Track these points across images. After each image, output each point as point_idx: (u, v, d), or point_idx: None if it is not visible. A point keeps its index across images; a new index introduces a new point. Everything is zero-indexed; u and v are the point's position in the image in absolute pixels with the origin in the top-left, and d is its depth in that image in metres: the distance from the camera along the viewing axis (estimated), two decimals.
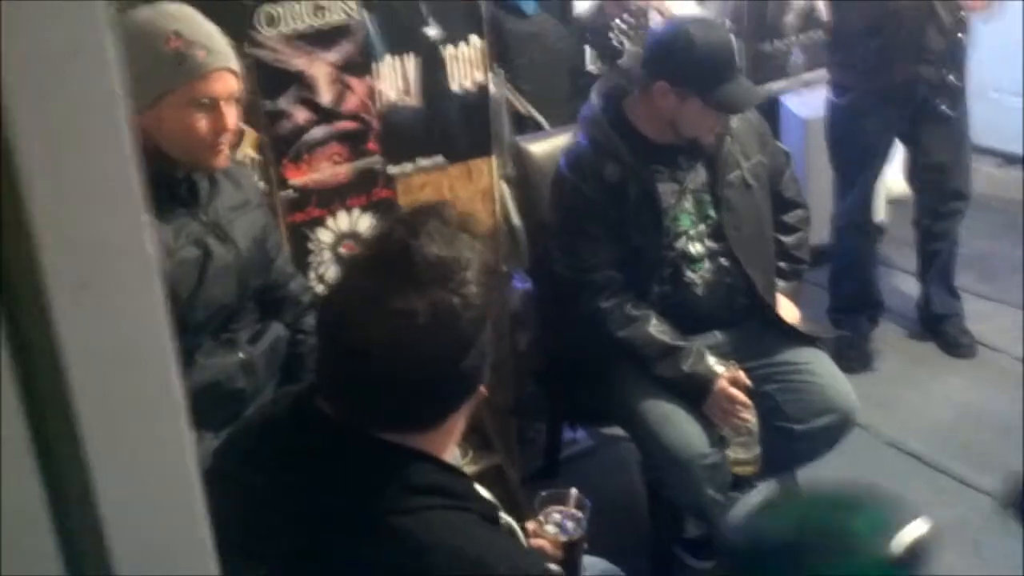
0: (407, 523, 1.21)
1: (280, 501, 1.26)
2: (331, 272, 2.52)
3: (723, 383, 2.39)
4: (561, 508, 1.71)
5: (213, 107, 1.87)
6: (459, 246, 1.24)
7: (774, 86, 3.95)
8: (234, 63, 1.91)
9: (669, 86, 2.37)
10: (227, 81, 1.89)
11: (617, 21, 3.51)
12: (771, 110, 3.82)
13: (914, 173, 3.51)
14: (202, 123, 1.86)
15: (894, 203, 4.07)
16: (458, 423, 1.32)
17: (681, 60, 2.35)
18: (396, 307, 1.19)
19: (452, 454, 1.34)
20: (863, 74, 3.21)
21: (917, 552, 0.78)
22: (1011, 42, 4.34)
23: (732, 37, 2.44)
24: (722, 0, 3.77)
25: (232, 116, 1.90)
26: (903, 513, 0.81)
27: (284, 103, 2.39)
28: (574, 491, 1.75)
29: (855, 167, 3.42)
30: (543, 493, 1.74)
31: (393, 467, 1.24)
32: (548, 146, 2.78)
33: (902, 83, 3.17)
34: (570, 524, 1.69)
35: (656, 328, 2.45)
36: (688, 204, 2.51)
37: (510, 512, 1.46)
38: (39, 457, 0.56)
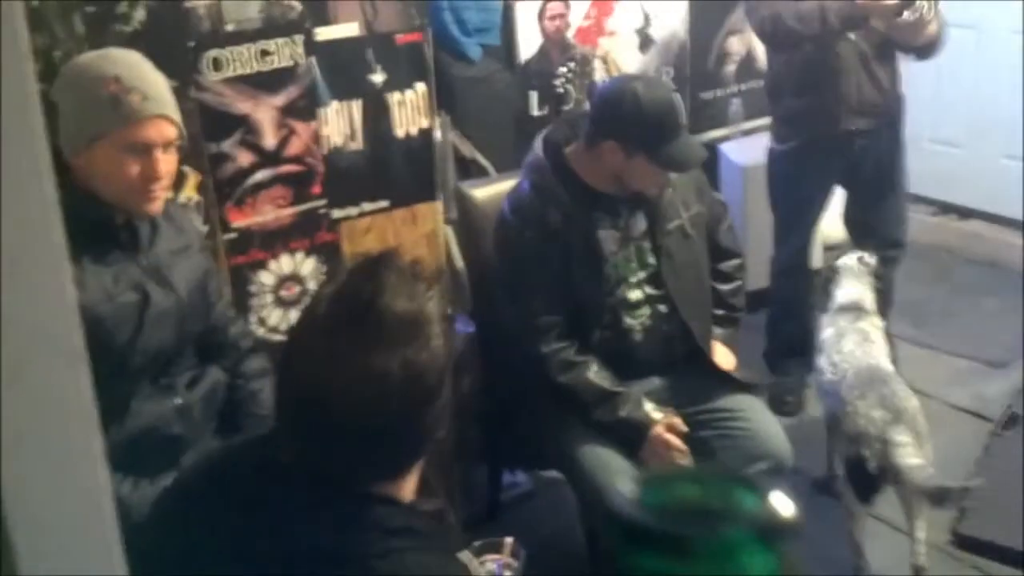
0: (384, 566, 1.23)
1: (248, 547, 1.26)
2: (273, 315, 2.53)
3: (660, 429, 2.43)
4: (496, 557, 1.72)
5: (146, 153, 1.87)
6: (420, 298, 1.25)
7: (714, 134, 4.03)
8: (172, 111, 1.91)
9: (617, 144, 2.41)
10: (162, 128, 1.89)
11: (562, 68, 3.57)
12: (710, 157, 3.90)
13: (851, 221, 3.59)
14: (134, 168, 1.86)
15: (831, 249, 4.16)
16: (420, 466, 1.34)
17: (629, 120, 2.39)
18: (369, 368, 1.20)
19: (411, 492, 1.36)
20: (802, 124, 3.30)
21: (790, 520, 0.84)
22: (947, 94, 4.49)
23: (676, 95, 2.49)
24: (663, 49, 3.85)
25: (167, 163, 1.90)
26: (765, 486, 0.87)
27: (228, 146, 2.40)
28: (509, 540, 1.76)
29: (794, 213, 3.49)
30: (476, 543, 1.75)
31: (366, 514, 1.26)
32: (492, 191, 2.81)
33: (840, 134, 3.25)
34: (506, 574, 1.70)
35: (595, 374, 2.48)
36: (629, 251, 2.55)
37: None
38: None
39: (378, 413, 1.22)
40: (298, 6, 2.40)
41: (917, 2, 2.94)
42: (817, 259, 3.93)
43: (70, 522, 0.63)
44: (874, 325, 3.02)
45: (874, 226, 3.49)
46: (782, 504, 0.82)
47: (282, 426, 1.33)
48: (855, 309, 3.04)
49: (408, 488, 1.33)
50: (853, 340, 2.94)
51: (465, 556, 1.44)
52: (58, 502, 0.61)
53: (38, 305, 0.60)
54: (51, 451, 0.60)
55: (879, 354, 2.94)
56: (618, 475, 2.43)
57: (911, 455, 2.57)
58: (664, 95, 2.47)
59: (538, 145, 2.59)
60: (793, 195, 3.46)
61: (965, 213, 4.70)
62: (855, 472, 2.66)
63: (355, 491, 1.27)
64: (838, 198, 3.64)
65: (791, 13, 3.08)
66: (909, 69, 3.41)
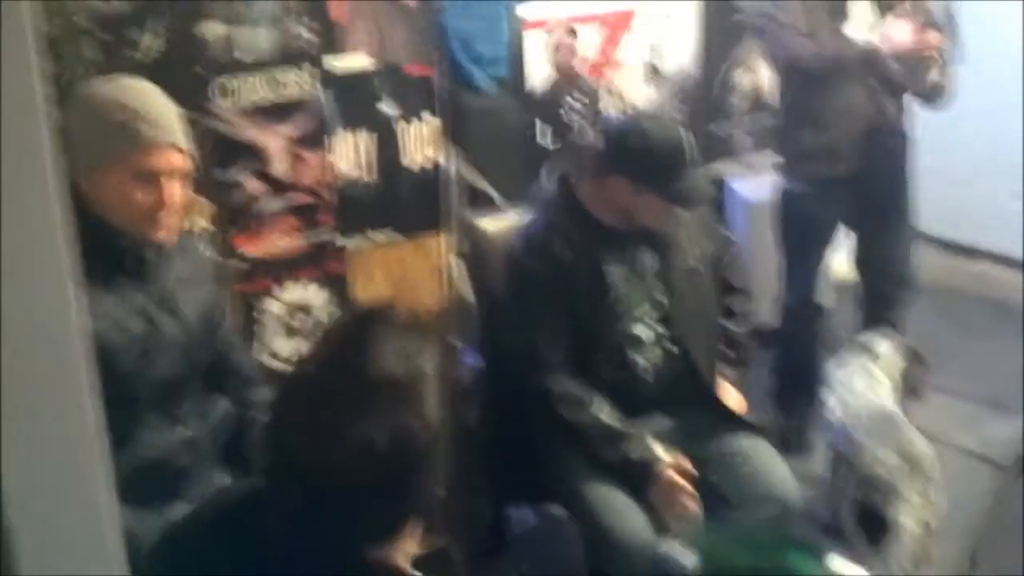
0: None
1: None
2: (280, 344, 2.50)
3: (667, 470, 2.40)
4: None
5: (154, 181, 1.85)
6: (414, 357, 1.20)
7: (720, 167, 4.02)
8: (181, 140, 1.89)
9: (626, 180, 2.41)
10: (170, 157, 1.87)
11: (570, 99, 3.57)
12: (717, 191, 3.89)
13: (860, 260, 3.58)
14: (141, 196, 1.85)
15: (839, 287, 4.14)
16: (417, 522, 1.30)
17: (638, 157, 2.39)
18: (352, 439, 1.15)
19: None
20: (814, 165, 3.29)
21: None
22: (954, 134, 4.48)
23: (685, 132, 2.48)
24: (672, 82, 3.84)
25: (173, 192, 1.88)
26: (822, 548, 0.82)
27: (237, 174, 2.38)
28: None
29: (804, 253, 3.48)
30: None
31: None
32: (501, 224, 2.80)
33: (851, 174, 3.24)
34: None
35: (602, 412, 2.45)
36: (639, 289, 2.53)
37: None
38: None
39: (365, 482, 1.18)
40: (310, 37, 2.39)
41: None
42: (827, 297, 3.92)
43: (77, 547, 0.62)
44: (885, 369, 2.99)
45: (883, 265, 3.48)
46: (844, 568, 0.79)
47: (271, 486, 1.28)
48: (867, 351, 3.02)
49: (406, 545, 1.29)
50: (864, 381, 2.92)
51: None
52: (64, 528, 0.60)
53: (46, 329, 0.59)
54: (58, 475, 0.59)
55: (887, 397, 2.92)
56: (624, 515, 2.40)
57: (912, 517, 2.54)
58: (673, 132, 2.46)
59: (545, 179, 2.58)
60: (803, 235, 3.44)
61: (972, 253, 4.69)
62: (865, 515, 2.63)
63: (346, 558, 1.23)
64: (847, 235, 3.63)
65: (807, 52, 3.10)
66: (918, 109, 3.40)
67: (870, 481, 2.63)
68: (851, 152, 3.21)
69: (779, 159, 3.49)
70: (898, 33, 3.06)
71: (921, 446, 2.68)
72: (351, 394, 1.17)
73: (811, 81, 3.16)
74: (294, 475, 1.21)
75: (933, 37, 3.07)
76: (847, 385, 2.96)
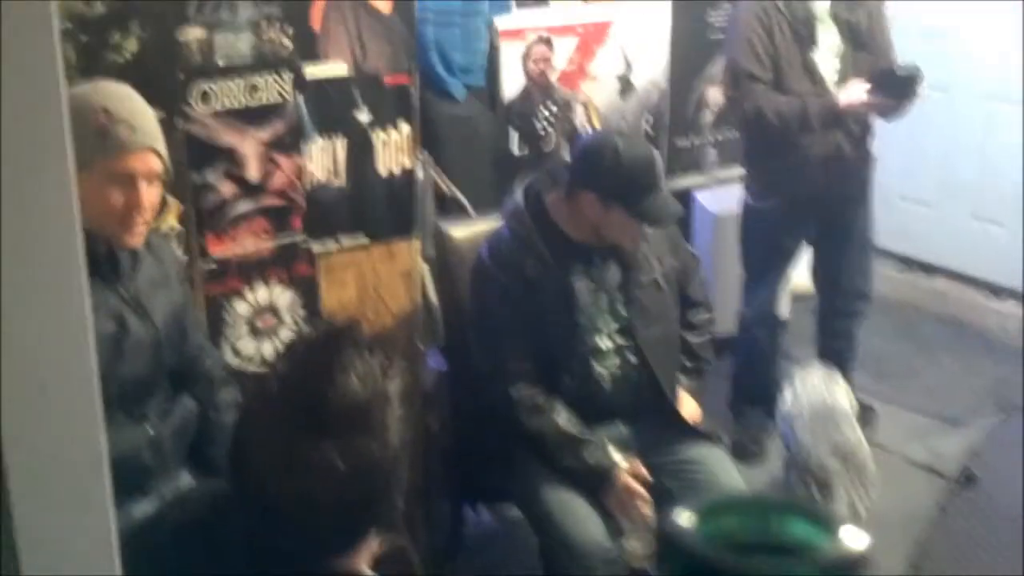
0: None
1: None
2: (247, 346, 2.54)
3: (624, 476, 2.46)
4: None
5: (131, 185, 1.89)
6: (376, 379, 1.21)
7: (689, 181, 4.09)
8: (158, 144, 1.93)
9: (596, 197, 2.46)
10: (148, 161, 1.91)
11: (543, 110, 3.63)
12: (683, 204, 3.96)
13: (819, 275, 3.66)
14: (118, 199, 1.88)
15: (797, 299, 4.23)
16: (375, 533, 1.33)
17: (608, 173, 2.45)
18: (313, 461, 1.16)
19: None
20: (778, 184, 3.36)
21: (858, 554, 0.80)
22: (918, 153, 4.59)
23: (655, 152, 2.55)
24: (644, 96, 3.91)
25: (150, 195, 1.92)
26: (831, 518, 0.84)
27: (211, 176, 2.42)
28: None
29: (765, 268, 3.56)
30: None
31: None
32: (470, 231, 2.85)
33: (814, 193, 3.32)
34: None
35: (563, 420, 2.51)
36: (602, 302, 2.59)
37: None
38: None
39: (325, 503, 1.19)
40: (289, 44, 2.43)
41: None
42: (784, 309, 4.01)
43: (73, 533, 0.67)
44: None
45: (841, 280, 3.57)
46: (853, 538, 0.79)
47: (233, 494, 1.29)
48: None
49: (365, 554, 1.31)
50: (820, 376, 3.02)
51: None
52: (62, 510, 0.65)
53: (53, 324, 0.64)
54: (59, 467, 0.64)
55: (841, 396, 3.02)
56: (582, 519, 2.46)
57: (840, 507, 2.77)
58: (644, 151, 2.52)
59: (518, 192, 2.64)
60: (765, 251, 3.52)
61: (931, 270, 4.80)
62: None
63: (308, 564, 1.25)
64: (807, 248, 3.71)
65: (772, 111, 3.18)
66: (881, 127, 3.48)
67: (807, 475, 2.74)
68: (816, 173, 3.28)
69: (745, 178, 3.56)
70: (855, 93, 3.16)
71: (855, 442, 2.80)
72: (313, 416, 1.19)
73: (780, 134, 3.24)
74: (255, 490, 1.23)
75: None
76: (804, 379, 3.07)
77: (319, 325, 1.37)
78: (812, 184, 3.30)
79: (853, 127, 3.30)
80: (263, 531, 1.25)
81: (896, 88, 3.14)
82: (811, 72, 3.22)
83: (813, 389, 3.03)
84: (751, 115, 3.25)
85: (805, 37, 3.21)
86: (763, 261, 3.55)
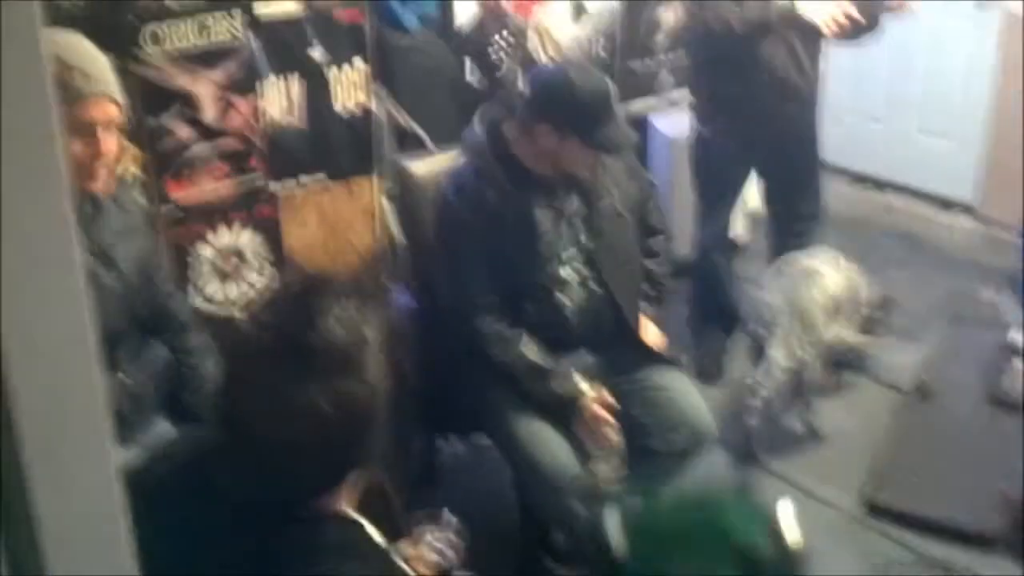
0: None
1: (183, 565, 1.29)
2: (211, 287, 2.55)
3: (590, 403, 2.52)
4: (439, 535, 1.80)
5: (89, 133, 1.87)
6: (357, 325, 1.25)
7: (643, 103, 4.10)
8: (114, 90, 1.91)
9: (551, 128, 2.48)
10: (105, 108, 1.89)
11: (496, 37, 3.60)
12: (639, 129, 3.97)
13: (769, 198, 3.71)
14: (77, 148, 1.86)
15: (750, 217, 4.28)
16: (357, 472, 1.37)
17: (563, 105, 2.46)
18: (298, 402, 1.21)
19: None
20: (727, 109, 3.38)
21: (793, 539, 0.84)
22: (866, 68, 4.62)
23: (608, 81, 2.55)
24: (596, 19, 3.89)
25: (109, 142, 1.91)
26: (762, 507, 0.89)
27: (167, 120, 2.40)
28: (446, 512, 1.84)
29: (718, 194, 3.61)
30: (419, 514, 1.83)
31: (302, 533, 1.29)
32: (431, 165, 2.85)
33: (764, 118, 3.35)
34: (449, 552, 1.78)
35: (529, 349, 2.56)
36: (563, 230, 2.62)
37: (391, 530, 1.53)
38: None
39: (310, 441, 1.23)
40: None
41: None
42: (738, 228, 4.07)
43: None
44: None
45: (791, 202, 3.62)
46: (788, 529, 0.83)
47: (219, 442, 1.33)
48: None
49: (347, 494, 1.35)
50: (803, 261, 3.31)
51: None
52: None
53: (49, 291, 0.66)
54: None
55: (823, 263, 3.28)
56: (551, 447, 2.53)
57: (783, 352, 3.11)
58: (597, 81, 2.53)
59: (477, 125, 2.64)
60: (717, 177, 3.56)
61: (881, 185, 4.87)
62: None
63: (293, 507, 1.29)
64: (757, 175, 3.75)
65: (736, 18, 3.15)
66: (828, 43, 3.49)
67: (756, 319, 3.07)
68: (766, 100, 3.30)
69: (696, 103, 3.55)
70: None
71: (807, 298, 3.14)
72: (296, 360, 1.22)
73: (721, 41, 3.22)
74: (241, 434, 1.27)
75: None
76: (788, 262, 3.31)
77: (299, 276, 1.40)
78: (760, 107, 3.32)
79: (803, 48, 3.31)
80: (249, 477, 1.29)
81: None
82: None
83: (792, 267, 3.27)
84: (711, 24, 3.19)
85: None
86: (714, 187, 3.60)
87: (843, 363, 3.46)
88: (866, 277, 3.39)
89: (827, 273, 3.29)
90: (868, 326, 3.41)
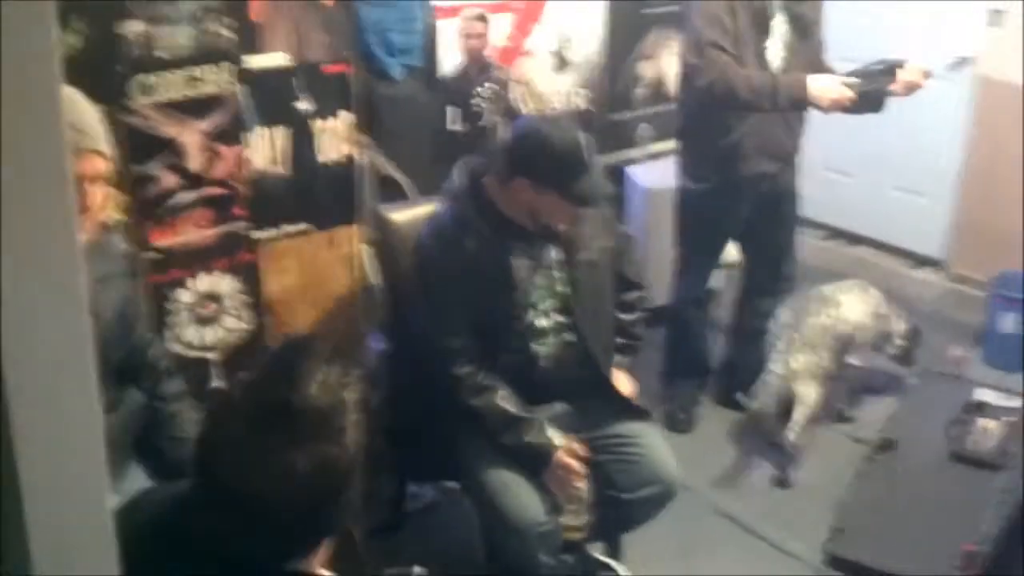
0: None
1: None
2: (189, 332, 2.59)
3: (562, 455, 2.57)
4: None
5: (76, 187, 1.90)
6: (335, 389, 1.28)
7: (623, 155, 4.18)
8: (103, 145, 1.94)
9: (527, 182, 2.53)
10: (94, 163, 1.91)
11: (479, 88, 3.68)
12: (617, 179, 4.05)
13: (747, 255, 3.76)
14: None
15: (727, 268, 4.34)
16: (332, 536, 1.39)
17: (537, 159, 2.52)
18: (277, 465, 1.24)
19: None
20: (717, 167, 3.40)
21: None
22: (841, 124, 4.69)
23: (582, 135, 2.61)
24: (579, 71, 3.98)
25: (95, 196, 1.93)
26: None
27: (153, 167, 2.45)
28: (417, 570, 1.88)
29: (702, 250, 3.64)
30: (390, 572, 1.87)
31: None
32: (410, 215, 2.89)
33: (752, 177, 3.39)
34: None
35: (503, 399, 2.60)
36: (541, 280, 2.67)
37: (353, 573, 1.56)
38: None
39: (286, 505, 1.26)
40: (229, 35, 2.45)
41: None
42: (716, 278, 4.13)
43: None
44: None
45: (768, 261, 3.67)
46: None
47: (195, 504, 1.35)
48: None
49: (321, 554, 1.38)
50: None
51: None
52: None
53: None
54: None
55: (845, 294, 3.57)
56: (520, 496, 2.57)
57: (780, 364, 3.38)
58: (570, 135, 2.58)
59: (459, 174, 2.70)
60: (703, 233, 3.58)
61: (854, 239, 4.96)
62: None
63: (265, 569, 1.32)
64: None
65: (743, 83, 3.16)
66: None
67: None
68: (755, 157, 3.35)
69: (681, 161, 3.56)
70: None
71: (813, 313, 3.45)
72: (276, 422, 1.26)
73: (743, 109, 3.24)
74: (216, 489, 1.30)
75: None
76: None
77: (282, 340, 1.43)
78: (752, 166, 3.36)
79: (792, 116, 3.36)
80: (224, 533, 1.31)
81: (876, 83, 3.23)
82: (762, 60, 3.25)
83: (813, 294, 3.59)
84: (715, 86, 3.19)
85: (761, 26, 3.25)
86: (701, 243, 3.61)
87: (872, 389, 3.83)
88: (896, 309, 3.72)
89: (846, 303, 3.54)
90: (901, 356, 3.74)
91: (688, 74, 3.34)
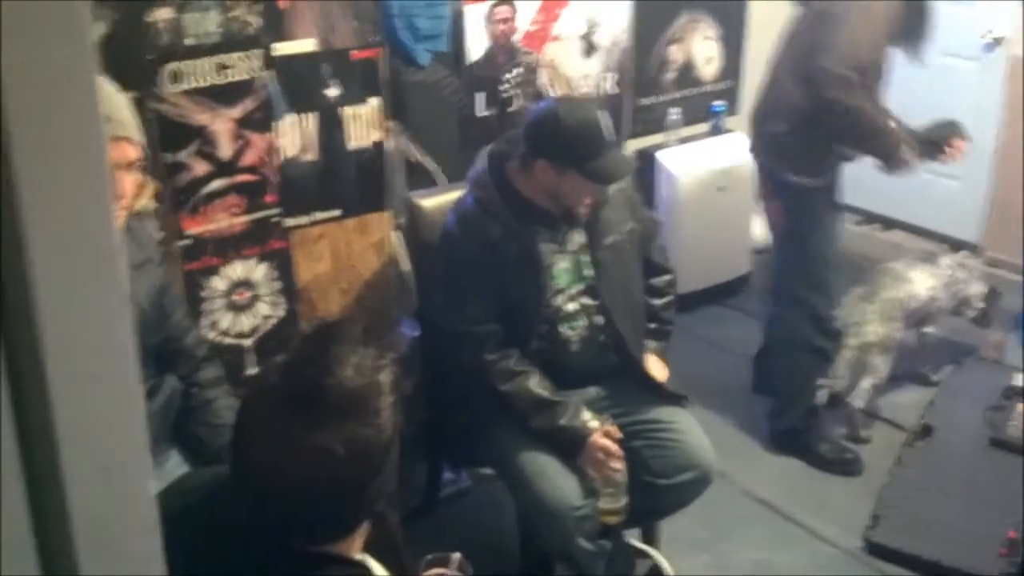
0: None
1: None
2: (224, 319, 2.59)
3: (598, 437, 2.55)
4: (444, 572, 1.83)
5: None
6: (369, 371, 1.28)
7: (652, 140, 4.15)
8: (133, 132, 1.95)
9: (548, 163, 2.52)
10: (124, 150, 1.92)
11: (507, 74, 3.66)
12: (647, 166, 4.02)
13: None
14: None
15: (759, 253, 4.31)
16: (367, 523, 1.39)
17: (554, 139, 2.51)
18: (312, 446, 1.23)
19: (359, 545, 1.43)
20: (830, 160, 3.32)
21: None
22: None
23: (600, 113, 2.57)
24: (607, 55, 3.95)
25: (127, 183, 1.94)
26: None
27: (184, 156, 2.45)
28: (456, 555, 1.86)
29: (832, 250, 3.41)
30: (428, 556, 1.86)
31: (312, 572, 1.31)
32: (440, 201, 2.89)
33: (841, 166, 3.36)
34: None
35: (536, 383, 2.59)
36: (566, 263, 2.66)
37: (391, 557, 1.55)
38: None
39: (322, 487, 1.26)
40: (257, 22, 2.45)
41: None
42: (746, 264, 4.09)
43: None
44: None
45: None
46: None
47: (233, 489, 1.36)
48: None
49: (356, 544, 1.38)
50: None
51: None
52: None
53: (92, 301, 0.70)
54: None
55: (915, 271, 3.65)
56: (555, 480, 2.55)
57: (854, 338, 3.45)
58: (587, 113, 2.56)
59: (482, 160, 2.68)
60: (829, 231, 3.40)
61: (888, 223, 4.91)
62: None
63: (304, 552, 1.32)
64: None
65: (872, 125, 3.14)
66: None
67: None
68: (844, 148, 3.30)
69: (793, 157, 3.31)
70: None
71: (882, 293, 3.54)
72: (307, 404, 1.25)
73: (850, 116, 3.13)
74: (256, 477, 1.30)
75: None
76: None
77: (317, 324, 1.42)
78: (844, 156, 3.33)
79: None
80: (261, 517, 1.31)
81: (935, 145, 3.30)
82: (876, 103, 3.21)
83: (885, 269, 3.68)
84: (852, 117, 3.10)
85: (885, 67, 3.22)
86: (830, 244, 3.38)
87: (955, 351, 3.93)
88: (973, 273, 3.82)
89: (917, 279, 3.63)
90: (979, 318, 3.79)
91: (823, 80, 3.09)
